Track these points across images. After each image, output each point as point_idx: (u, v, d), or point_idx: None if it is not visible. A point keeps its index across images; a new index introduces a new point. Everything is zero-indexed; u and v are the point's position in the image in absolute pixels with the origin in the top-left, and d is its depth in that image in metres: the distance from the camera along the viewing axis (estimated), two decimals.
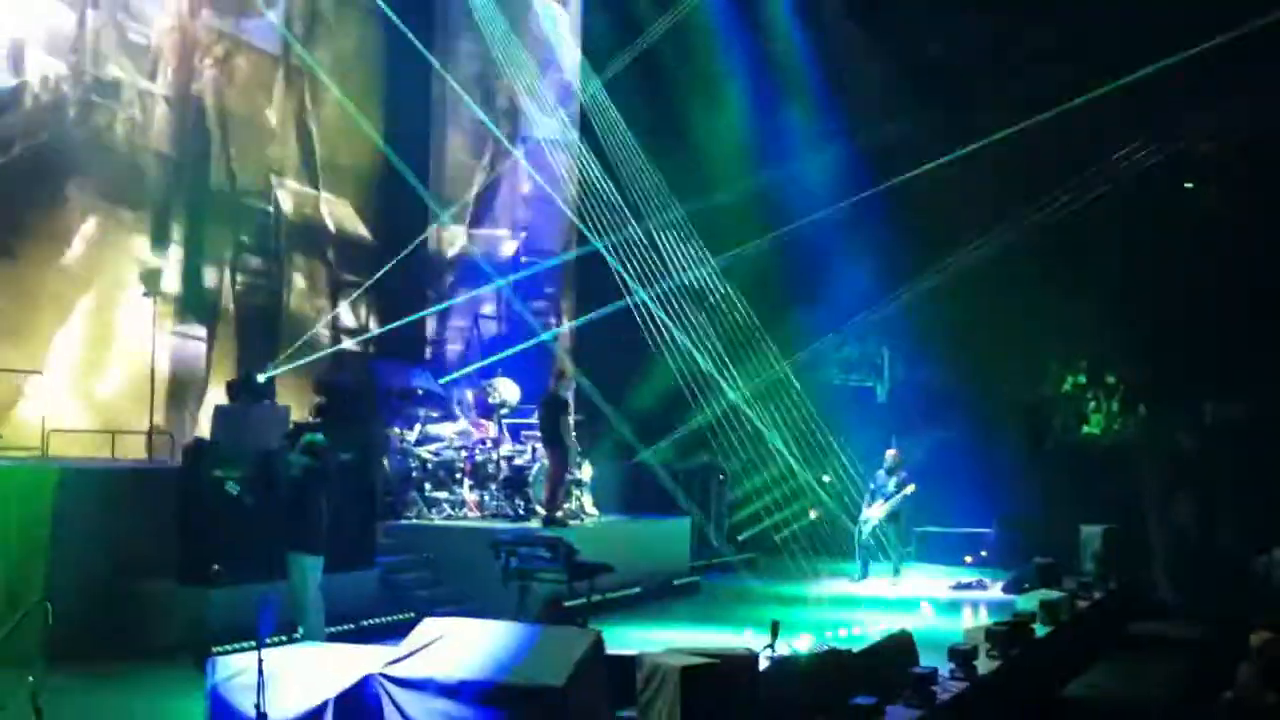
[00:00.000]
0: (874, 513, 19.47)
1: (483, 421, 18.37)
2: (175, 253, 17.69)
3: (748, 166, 24.67)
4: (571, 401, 17.55)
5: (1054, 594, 16.58)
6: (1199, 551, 22.64)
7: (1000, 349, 24.12)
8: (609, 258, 21.58)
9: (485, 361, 20.91)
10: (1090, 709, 11.65)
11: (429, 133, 22.07)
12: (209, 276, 18.29)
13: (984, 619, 14.97)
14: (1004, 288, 23.42)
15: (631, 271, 22.81)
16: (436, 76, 21.96)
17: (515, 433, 18.11)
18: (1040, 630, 14.30)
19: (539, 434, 17.37)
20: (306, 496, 11.67)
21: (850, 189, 24.19)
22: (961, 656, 11.71)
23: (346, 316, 20.73)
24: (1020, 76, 23.00)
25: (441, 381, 19.49)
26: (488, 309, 23.19)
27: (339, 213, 20.77)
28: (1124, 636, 15.39)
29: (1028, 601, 16.25)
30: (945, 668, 11.52)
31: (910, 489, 19.63)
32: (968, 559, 21.48)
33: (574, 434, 17.45)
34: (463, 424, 18.11)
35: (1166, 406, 24.04)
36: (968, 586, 19.08)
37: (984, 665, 12.18)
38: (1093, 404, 25.35)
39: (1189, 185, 24.94)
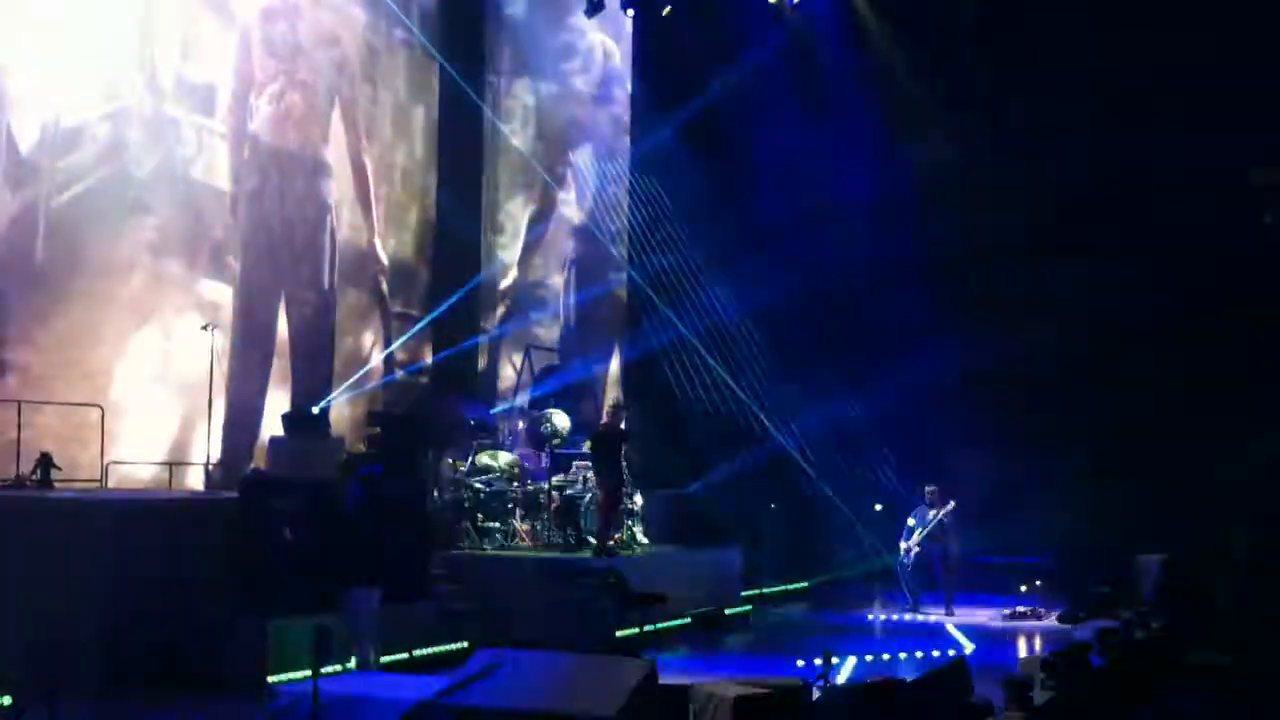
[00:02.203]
0: (912, 542, 19.36)
1: (534, 452, 18.45)
2: (232, 286, 17.93)
3: (797, 193, 24.72)
4: (625, 431, 17.59)
5: (1111, 624, 16.42)
6: (1257, 582, 22.33)
7: (1058, 376, 23.99)
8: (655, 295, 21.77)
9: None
10: None
11: (481, 166, 22.26)
12: (265, 310, 18.50)
13: (1040, 649, 14.87)
14: (1059, 312, 23.30)
15: (680, 302, 22.92)
16: (488, 111, 22.17)
17: (565, 462, 18.15)
18: (1097, 661, 14.17)
19: (590, 464, 17.42)
20: (362, 527, 11.76)
21: (896, 211, 24.25)
22: (1017, 687, 11.61)
23: (399, 348, 20.89)
24: (1066, 98, 23.01)
25: (493, 412, 19.60)
26: (539, 340, 23.33)
27: (392, 246, 20.97)
28: (1182, 667, 15.18)
29: (1084, 631, 16.12)
30: (1000, 698, 11.44)
31: (950, 506, 19.54)
32: (1023, 588, 21.30)
33: (626, 464, 17.50)
34: (515, 455, 18.19)
35: (1228, 434, 23.78)
36: (1023, 616, 18.92)
37: (1040, 696, 12.05)
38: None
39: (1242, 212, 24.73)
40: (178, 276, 17.15)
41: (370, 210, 20.44)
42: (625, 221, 24.99)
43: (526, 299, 23.44)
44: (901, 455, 23.91)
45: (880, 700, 10.04)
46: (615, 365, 25.14)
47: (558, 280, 24.21)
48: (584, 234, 24.51)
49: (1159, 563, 20.55)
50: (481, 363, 22.12)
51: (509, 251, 23.10)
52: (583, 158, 24.63)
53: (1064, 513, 22.49)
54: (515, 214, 23.35)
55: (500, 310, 22.84)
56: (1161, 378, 23.68)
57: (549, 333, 23.85)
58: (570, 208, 24.37)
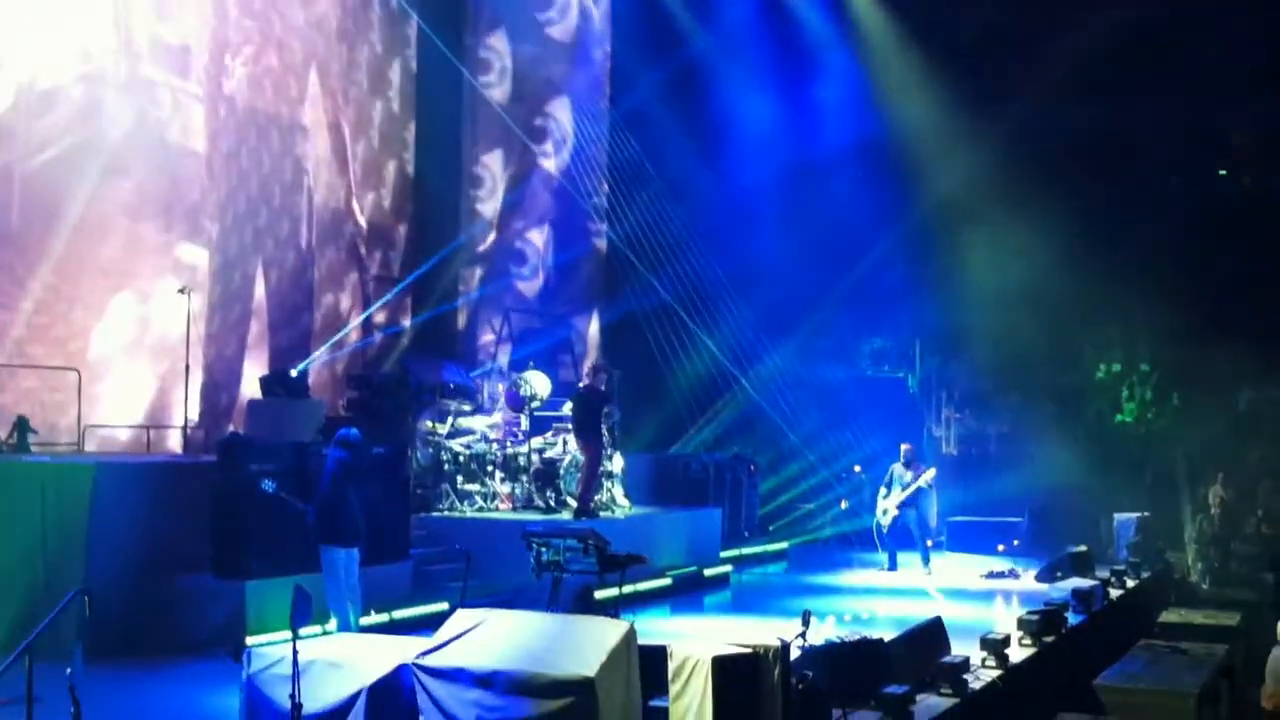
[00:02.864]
0: (891, 504, 19.35)
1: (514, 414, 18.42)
2: (209, 249, 17.83)
3: (776, 151, 24.71)
4: (605, 393, 17.56)
5: (1086, 582, 16.58)
6: (1232, 538, 22.56)
7: (1034, 338, 24.10)
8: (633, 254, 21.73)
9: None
10: (1123, 698, 11.61)
11: (460, 126, 22.12)
12: (242, 272, 18.41)
13: (1016, 608, 14.96)
14: (1037, 276, 23.39)
15: (660, 263, 22.90)
16: (465, 65, 22.03)
17: (545, 425, 18.13)
18: (1073, 619, 14.29)
19: (570, 426, 17.39)
20: (341, 490, 11.74)
21: (879, 177, 24.26)
22: (994, 645, 11.72)
23: (378, 311, 20.83)
24: (1053, 61, 23.01)
25: (473, 374, 19.55)
26: (519, 297, 23.28)
27: (369, 204, 20.86)
28: (1157, 624, 15.35)
29: (1060, 590, 16.26)
30: (977, 656, 11.53)
31: (930, 473, 19.50)
32: (1000, 547, 21.42)
33: (606, 426, 17.47)
34: (494, 417, 18.16)
35: (1200, 393, 23.96)
36: (1000, 575, 19.02)
37: (1016, 654, 12.18)
38: (1126, 392, 25.28)
39: (1223, 172, 24.86)
40: (154, 239, 17.05)
41: (347, 168, 20.32)
42: (605, 182, 24.92)
43: (506, 257, 23.37)
44: (880, 415, 23.97)
45: (859, 659, 10.11)
46: (595, 326, 25.12)
47: (537, 237, 24.12)
48: (563, 193, 24.42)
49: (1134, 521, 20.74)
50: (460, 324, 22.08)
51: (487, 205, 22.98)
52: (561, 113, 24.52)
53: (1040, 471, 22.65)
54: (493, 167, 23.19)
55: (480, 272, 22.77)
56: (1140, 336, 23.88)
57: (529, 287, 23.78)
58: (549, 161, 24.24)
